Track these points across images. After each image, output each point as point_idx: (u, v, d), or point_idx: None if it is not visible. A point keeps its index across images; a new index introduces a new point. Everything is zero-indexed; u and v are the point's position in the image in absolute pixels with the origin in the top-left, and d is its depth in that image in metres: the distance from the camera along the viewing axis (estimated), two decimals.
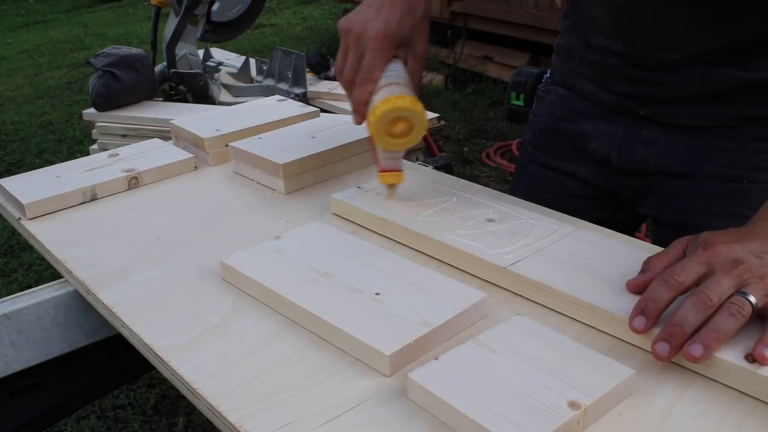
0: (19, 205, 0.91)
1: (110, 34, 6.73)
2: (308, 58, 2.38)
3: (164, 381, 1.96)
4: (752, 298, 0.57)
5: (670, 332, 0.57)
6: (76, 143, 3.96)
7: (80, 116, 4.19)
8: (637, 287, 0.63)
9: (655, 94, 0.88)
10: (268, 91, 2.22)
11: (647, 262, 0.65)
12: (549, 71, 1.11)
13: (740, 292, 0.58)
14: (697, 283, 0.59)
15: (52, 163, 2.06)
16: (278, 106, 1.18)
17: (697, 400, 0.55)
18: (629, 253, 0.72)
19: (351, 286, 0.68)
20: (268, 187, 0.96)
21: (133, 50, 2.10)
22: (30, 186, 0.94)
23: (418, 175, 0.92)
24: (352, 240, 0.77)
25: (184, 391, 0.61)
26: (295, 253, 0.74)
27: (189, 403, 0.90)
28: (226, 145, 1.03)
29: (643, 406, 0.54)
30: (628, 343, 0.62)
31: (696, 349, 0.55)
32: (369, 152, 1.02)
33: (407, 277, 0.69)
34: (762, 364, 0.55)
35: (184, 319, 0.68)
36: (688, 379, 0.57)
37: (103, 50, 2.09)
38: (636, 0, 0.85)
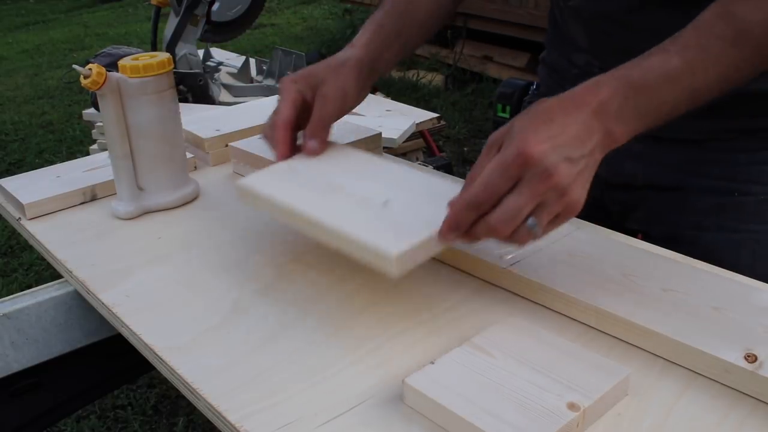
0: (19, 205, 0.91)
1: (110, 34, 6.73)
2: (308, 58, 2.38)
3: (164, 381, 1.96)
4: (535, 228, 0.59)
5: (456, 221, 0.60)
6: (76, 143, 3.96)
7: (80, 116, 4.19)
8: (452, 206, 0.62)
9: None
10: (268, 91, 2.22)
11: (469, 175, 0.62)
12: (536, 83, 1.10)
13: (531, 219, 0.58)
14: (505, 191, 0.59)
15: (52, 163, 2.06)
16: None
17: (697, 400, 0.55)
18: (629, 253, 0.72)
19: (361, 196, 0.70)
20: None
21: (133, 50, 2.10)
22: (30, 186, 0.94)
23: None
24: (361, 156, 0.80)
25: (184, 391, 0.61)
26: (307, 170, 0.76)
27: (189, 403, 0.90)
28: (226, 145, 1.03)
29: (642, 406, 0.54)
30: (627, 343, 0.62)
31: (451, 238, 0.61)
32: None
33: (416, 188, 0.71)
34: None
35: (184, 319, 0.68)
36: (688, 379, 0.57)
37: (103, 50, 2.09)
38: (609, 19, 0.84)
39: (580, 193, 0.59)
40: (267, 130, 0.80)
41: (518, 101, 1.17)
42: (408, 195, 0.70)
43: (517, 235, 0.60)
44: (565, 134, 0.59)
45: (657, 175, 0.89)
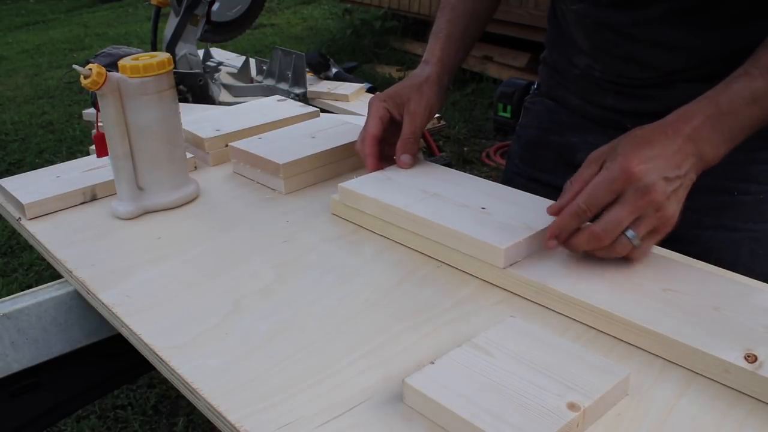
0: (19, 205, 0.91)
1: (110, 34, 6.73)
2: (308, 58, 2.38)
3: (164, 381, 1.96)
4: (635, 240, 0.66)
5: (560, 227, 0.68)
6: (76, 143, 3.96)
7: (80, 116, 4.19)
8: (554, 212, 0.69)
9: (641, 108, 0.87)
10: (268, 91, 2.22)
11: (569, 182, 0.70)
12: (536, 83, 1.10)
13: (629, 230, 0.65)
14: (607, 204, 0.66)
15: (52, 163, 2.06)
16: (278, 106, 1.18)
17: (697, 400, 0.55)
18: None
19: (458, 202, 0.79)
20: (268, 187, 0.96)
21: (133, 50, 2.10)
22: (30, 186, 0.94)
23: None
24: (445, 169, 0.89)
25: (184, 391, 0.61)
26: (401, 179, 0.86)
27: (189, 403, 0.90)
28: (226, 145, 1.03)
29: (643, 406, 0.54)
30: (627, 343, 0.62)
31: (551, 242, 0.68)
32: None
33: (505, 197, 0.81)
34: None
35: (184, 319, 0.68)
36: (688, 379, 0.57)
37: (103, 50, 2.09)
38: (612, 29, 0.86)
39: (674, 209, 0.66)
40: (358, 144, 0.91)
41: (519, 101, 1.17)
42: (498, 203, 0.79)
43: (616, 245, 0.66)
44: (663, 156, 0.66)
45: None
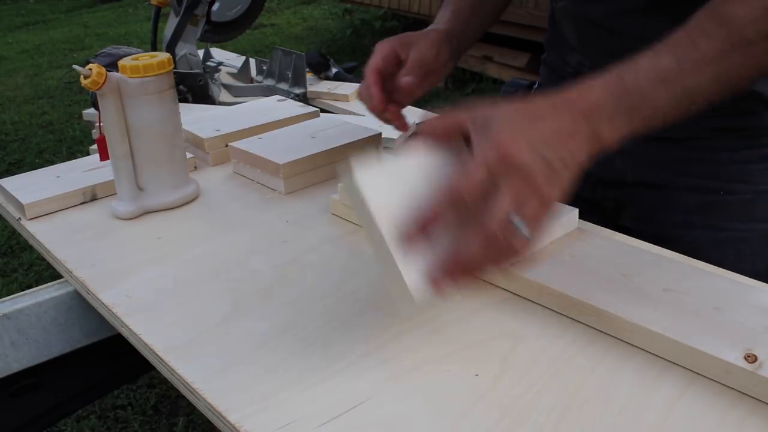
0: (19, 205, 0.91)
1: (110, 34, 6.73)
2: (308, 58, 2.38)
3: (164, 381, 1.96)
4: (525, 230, 0.55)
5: (451, 264, 0.56)
6: (76, 143, 3.96)
7: (80, 116, 4.19)
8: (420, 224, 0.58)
9: None
10: (268, 91, 2.22)
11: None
12: (537, 82, 1.11)
13: (517, 220, 0.55)
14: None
15: (52, 163, 2.06)
16: (278, 106, 1.18)
17: (697, 400, 0.55)
18: (629, 253, 0.72)
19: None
20: (268, 187, 0.96)
21: (133, 50, 2.10)
22: (30, 186, 0.94)
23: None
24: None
25: (184, 391, 0.61)
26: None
27: (189, 403, 0.90)
28: (226, 145, 1.03)
29: (643, 406, 0.54)
30: (627, 343, 0.62)
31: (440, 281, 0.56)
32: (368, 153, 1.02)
33: None
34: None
35: (184, 319, 0.68)
36: (688, 379, 0.57)
37: (103, 50, 2.09)
38: (595, 23, 0.86)
39: (554, 194, 0.57)
40: (361, 89, 0.86)
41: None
42: None
43: (511, 240, 0.55)
44: (545, 133, 0.58)
45: (645, 173, 0.89)
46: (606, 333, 0.63)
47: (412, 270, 0.57)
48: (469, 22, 0.95)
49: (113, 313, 0.70)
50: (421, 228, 0.57)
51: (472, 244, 0.56)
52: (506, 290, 0.70)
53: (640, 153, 0.88)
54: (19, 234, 0.96)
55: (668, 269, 0.69)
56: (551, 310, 0.67)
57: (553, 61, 1.01)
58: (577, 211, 0.77)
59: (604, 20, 0.85)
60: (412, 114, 1.92)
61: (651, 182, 0.89)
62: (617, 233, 0.79)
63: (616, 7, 0.83)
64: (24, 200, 0.90)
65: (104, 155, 0.88)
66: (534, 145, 0.57)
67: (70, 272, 0.78)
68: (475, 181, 0.56)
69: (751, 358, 0.55)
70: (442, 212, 0.57)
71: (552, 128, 0.58)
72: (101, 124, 0.86)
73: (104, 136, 0.87)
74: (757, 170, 0.84)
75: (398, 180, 0.60)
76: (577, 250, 0.72)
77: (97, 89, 0.82)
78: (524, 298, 0.69)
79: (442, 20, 0.93)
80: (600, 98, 0.60)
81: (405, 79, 0.84)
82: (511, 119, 0.58)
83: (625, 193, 0.92)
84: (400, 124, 0.86)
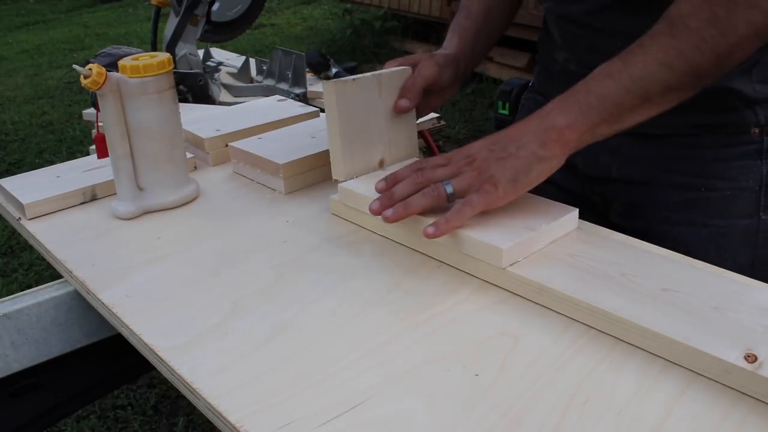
0: (19, 205, 0.91)
1: (110, 34, 6.73)
2: (308, 58, 2.38)
3: (164, 381, 1.96)
4: (449, 187, 0.72)
5: (385, 196, 0.75)
6: (76, 143, 3.96)
7: (80, 116, 4.19)
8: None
9: None
10: (268, 91, 2.22)
11: None
12: (531, 81, 1.14)
13: (444, 182, 0.73)
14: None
15: (52, 163, 2.06)
16: (278, 106, 1.18)
17: (697, 400, 0.55)
18: (629, 253, 0.72)
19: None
20: (268, 187, 0.96)
21: (133, 50, 2.10)
22: (30, 186, 0.94)
23: None
24: None
25: (184, 391, 0.61)
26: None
27: (189, 403, 0.90)
28: (226, 145, 1.03)
29: (643, 406, 0.54)
30: (627, 343, 0.62)
31: (387, 212, 0.73)
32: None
33: None
34: (432, 228, 0.70)
35: (184, 319, 0.68)
36: (688, 379, 0.57)
37: (103, 50, 2.09)
38: (575, 21, 0.89)
39: (496, 171, 0.71)
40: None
41: (516, 98, 1.20)
42: None
43: (432, 189, 0.73)
44: (499, 137, 0.73)
45: (629, 169, 0.91)
46: (606, 333, 0.63)
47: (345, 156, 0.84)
48: (475, 46, 0.99)
49: (113, 313, 0.70)
50: (388, 182, 0.77)
51: (401, 186, 0.75)
52: (506, 290, 0.70)
53: (624, 149, 0.90)
54: (19, 234, 0.96)
55: (668, 269, 0.69)
56: (551, 310, 0.67)
57: (543, 58, 1.03)
58: (576, 211, 0.77)
59: (584, 18, 0.87)
60: None
61: (635, 179, 0.90)
62: (615, 232, 0.79)
63: (595, 5, 0.85)
64: (24, 200, 0.90)
65: (102, 153, 0.88)
66: (485, 144, 0.74)
67: (70, 272, 0.78)
68: (434, 160, 0.76)
69: (751, 358, 0.55)
70: (403, 175, 0.76)
71: (504, 134, 0.73)
72: (100, 123, 0.86)
73: (102, 135, 0.87)
74: (737, 167, 0.85)
75: (356, 95, 0.84)
76: (576, 249, 0.72)
77: (97, 89, 0.82)
78: (524, 297, 0.69)
79: (449, 45, 0.97)
80: (550, 105, 0.72)
81: (400, 102, 0.88)
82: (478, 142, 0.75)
83: (610, 188, 0.94)
84: None
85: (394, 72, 0.88)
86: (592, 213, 0.99)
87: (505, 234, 0.71)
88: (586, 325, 0.64)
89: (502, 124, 1.25)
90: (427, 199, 0.73)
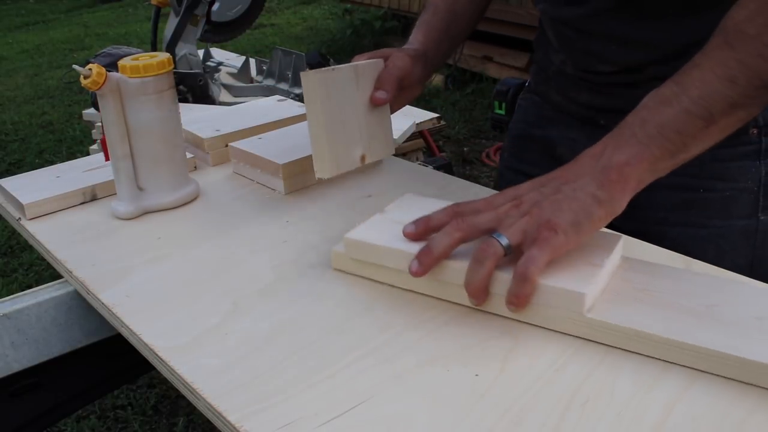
0: (19, 205, 0.91)
1: (110, 34, 6.74)
2: (308, 58, 2.38)
3: (164, 381, 1.96)
4: (503, 239, 0.61)
5: (422, 252, 0.64)
6: (76, 143, 3.96)
7: (80, 116, 4.19)
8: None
9: (610, 105, 0.89)
10: (268, 91, 2.22)
11: None
12: (528, 81, 1.14)
13: (495, 233, 0.62)
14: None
15: (52, 163, 2.06)
16: (278, 106, 1.18)
17: (697, 399, 0.55)
18: (654, 270, 0.69)
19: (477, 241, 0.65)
20: (268, 187, 0.96)
21: (133, 50, 2.10)
22: (30, 186, 0.94)
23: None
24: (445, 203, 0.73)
25: (184, 391, 0.61)
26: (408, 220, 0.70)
27: (189, 403, 0.90)
28: (226, 145, 1.03)
29: (643, 406, 0.54)
30: (622, 349, 0.61)
31: (472, 301, 0.64)
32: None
33: None
34: (508, 308, 0.62)
35: (184, 319, 0.68)
36: (689, 379, 0.57)
37: (103, 50, 2.09)
38: (568, 24, 0.89)
39: (554, 214, 0.61)
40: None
41: (513, 98, 1.19)
42: None
43: (483, 243, 0.62)
44: (549, 178, 0.65)
45: None
46: (601, 342, 0.62)
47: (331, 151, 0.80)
48: (441, 43, 0.98)
49: (113, 313, 0.70)
50: (419, 227, 0.67)
51: (439, 236, 0.64)
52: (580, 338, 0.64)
53: None
54: (19, 234, 0.96)
55: (706, 285, 0.65)
56: (643, 355, 0.62)
57: (540, 58, 1.03)
58: (623, 238, 0.70)
59: (579, 22, 0.87)
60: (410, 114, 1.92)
61: None
62: (657, 260, 0.73)
63: (588, 10, 0.85)
64: (24, 200, 0.90)
65: (108, 156, 0.88)
66: (532, 185, 0.65)
67: (70, 272, 0.78)
68: (473, 204, 0.65)
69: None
70: (439, 220, 0.66)
71: (553, 175, 0.65)
72: (102, 125, 0.86)
73: None
74: (736, 168, 0.85)
75: (338, 85, 0.80)
76: (642, 282, 0.66)
77: (97, 89, 0.82)
78: (607, 345, 0.63)
79: (415, 41, 0.95)
80: (603, 143, 0.65)
81: (377, 93, 0.86)
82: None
83: None
84: None
85: (369, 63, 0.86)
86: None
87: (571, 273, 0.62)
88: (688, 367, 0.59)
89: (498, 124, 1.24)
90: (490, 263, 0.61)
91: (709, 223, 0.86)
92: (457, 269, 0.64)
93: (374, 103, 0.86)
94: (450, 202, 0.69)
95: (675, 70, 0.66)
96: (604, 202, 0.62)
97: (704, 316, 0.60)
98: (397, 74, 0.87)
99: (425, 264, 0.64)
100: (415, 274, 0.64)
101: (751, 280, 0.68)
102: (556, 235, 0.60)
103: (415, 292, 0.69)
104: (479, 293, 0.62)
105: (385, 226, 0.72)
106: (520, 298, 0.60)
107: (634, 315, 0.61)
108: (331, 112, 0.80)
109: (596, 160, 0.64)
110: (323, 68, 0.79)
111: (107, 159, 0.90)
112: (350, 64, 0.84)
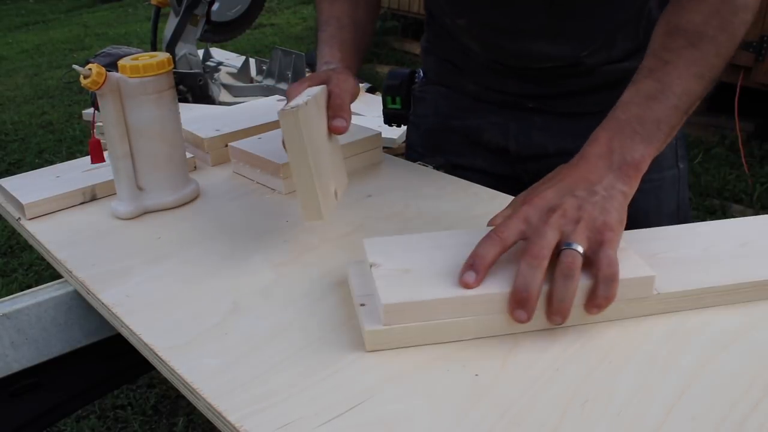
0: (19, 205, 0.91)
1: (110, 34, 6.73)
2: (308, 58, 2.38)
3: (164, 381, 1.96)
4: (579, 248, 0.61)
5: (520, 299, 0.60)
6: (76, 143, 3.96)
7: (80, 116, 4.20)
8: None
9: (544, 93, 0.94)
10: (268, 91, 2.22)
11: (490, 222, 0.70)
12: (421, 71, 1.13)
13: (566, 243, 0.61)
14: (522, 237, 0.63)
15: (52, 163, 2.06)
16: (278, 106, 1.18)
17: (697, 399, 0.55)
18: (682, 232, 0.75)
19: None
20: (268, 187, 0.96)
21: (133, 50, 2.10)
22: (30, 186, 0.94)
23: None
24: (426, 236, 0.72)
25: (184, 391, 0.61)
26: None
27: (189, 403, 0.90)
28: (226, 145, 1.03)
29: (642, 406, 0.54)
30: (627, 342, 0.62)
31: (555, 320, 0.62)
32: (368, 152, 1.02)
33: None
34: (590, 313, 0.62)
35: (184, 319, 0.68)
36: (689, 378, 0.57)
37: (103, 50, 2.09)
38: (489, 24, 0.93)
39: (603, 215, 0.64)
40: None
41: (407, 90, 1.16)
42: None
43: (561, 255, 0.61)
44: (568, 182, 0.67)
45: (564, 143, 0.95)
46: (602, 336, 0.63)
47: (322, 194, 0.72)
48: (356, 55, 0.95)
49: (113, 313, 0.70)
50: (479, 271, 0.62)
51: (527, 276, 0.60)
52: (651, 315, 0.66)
53: (556, 127, 0.96)
54: (19, 234, 0.96)
55: (710, 231, 0.74)
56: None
57: (445, 53, 1.04)
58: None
59: (509, 26, 0.91)
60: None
61: (572, 151, 0.89)
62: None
63: (519, 11, 0.89)
64: (24, 200, 0.90)
65: (95, 158, 0.88)
66: (560, 191, 0.66)
67: (70, 272, 0.78)
68: (513, 224, 0.64)
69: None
70: (485, 253, 0.62)
71: (575, 178, 0.67)
72: (95, 126, 0.86)
73: (97, 140, 0.87)
74: None
75: (312, 119, 0.73)
76: (646, 248, 0.71)
77: (97, 89, 0.82)
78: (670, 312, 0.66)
79: (334, 59, 0.90)
80: (606, 141, 0.70)
81: (335, 122, 0.79)
82: (537, 186, 0.69)
83: (548, 164, 0.91)
84: None
85: (320, 91, 0.78)
86: (522, 190, 0.99)
87: (622, 257, 0.64)
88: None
89: (396, 118, 1.20)
90: (579, 274, 0.61)
91: (647, 178, 0.88)
92: (501, 295, 0.61)
93: (335, 133, 0.80)
94: (415, 234, 0.71)
95: (607, 58, 0.81)
96: (628, 196, 0.68)
97: (739, 255, 0.68)
98: (350, 99, 0.83)
99: (517, 308, 0.61)
100: (469, 285, 0.61)
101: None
102: (614, 233, 0.63)
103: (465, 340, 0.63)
104: (568, 310, 0.61)
105: (404, 281, 0.63)
106: (609, 299, 0.62)
107: (691, 275, 0.66)
108: (313, 150, 0.71)
109: (609, 159, 0.68)
110: (295, 102, 0.71)
111: (93, 161, 0.90)
112: (306, 93, 0.77)
